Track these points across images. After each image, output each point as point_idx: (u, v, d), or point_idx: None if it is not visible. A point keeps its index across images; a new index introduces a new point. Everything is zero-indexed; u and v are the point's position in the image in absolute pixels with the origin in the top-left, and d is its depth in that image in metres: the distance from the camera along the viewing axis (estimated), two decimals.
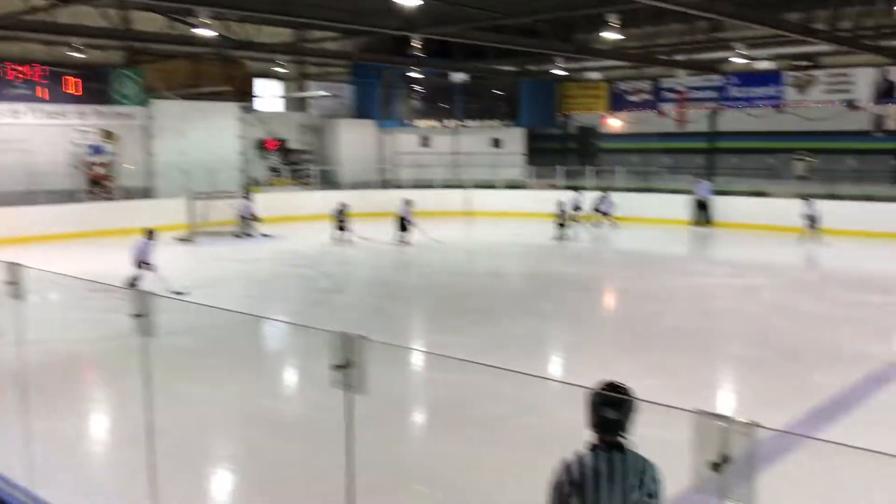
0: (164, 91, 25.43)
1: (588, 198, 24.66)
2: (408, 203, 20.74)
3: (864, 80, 24.61)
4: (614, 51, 22.99)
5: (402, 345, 9.84)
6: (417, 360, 9.87)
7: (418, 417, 8.31)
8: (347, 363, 3.05)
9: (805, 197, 21.01)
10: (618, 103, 30.08)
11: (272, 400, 8.49)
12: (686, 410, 2.60)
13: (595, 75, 29.79)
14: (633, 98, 29.70)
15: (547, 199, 24.44)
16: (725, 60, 24.67)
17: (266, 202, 23.83)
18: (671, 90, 28.25)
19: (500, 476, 6.23)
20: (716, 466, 2.58)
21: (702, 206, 23.93)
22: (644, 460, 3.21)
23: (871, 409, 7.91)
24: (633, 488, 3.15)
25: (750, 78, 26.58)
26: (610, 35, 19.97)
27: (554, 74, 27.89)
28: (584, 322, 12.19)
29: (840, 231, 20.96)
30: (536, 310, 12.92)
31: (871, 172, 24.20)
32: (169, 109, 25.57)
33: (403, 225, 20.56)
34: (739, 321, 12.06)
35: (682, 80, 27.28)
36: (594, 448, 3.21)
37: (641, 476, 3.18)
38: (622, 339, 11.06)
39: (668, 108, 28.52)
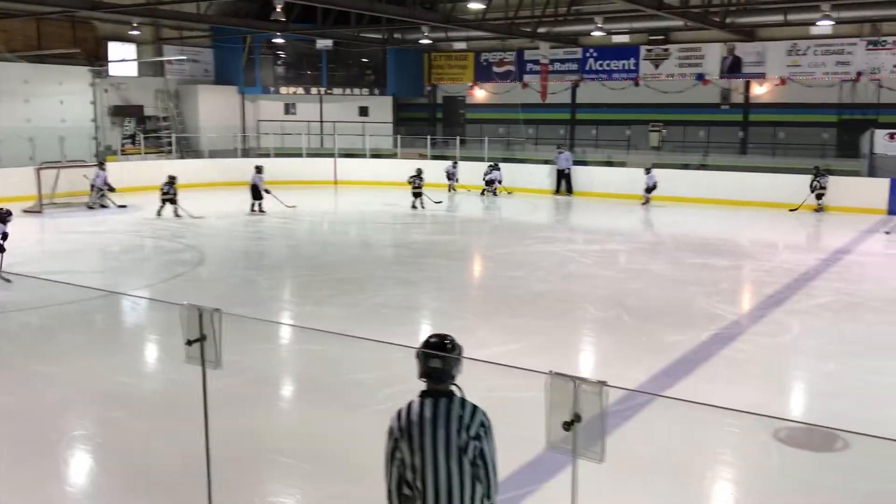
0: (4, 52, 23.62)
1: (461, 168, 24.98)
2: (258, 170, 20.36)
3: (712, 56, 25.99)
4: (479, 21, 23.20)
5: (263, 318, 9.68)
6: (284, 332, 9.75)
7: (284, 390, 8.23)
8: (202, 337, 2.97)
9: (647, 168, 22.42)
10: (483, 74, 30.46)
11: (130, 377, 8.17)
12: (538, 372, 2.71)
13: (461, 46, 30.02)
14: (498, 69, 30.14)
15: (414, 169, 24.54)
16: (586, 34, 25.43)
17: (121, 171, 22.74)
18: (535, 62, 28.84)
19: (368, 444, 6.28)
20: (568, 425, 2.70)
21: (563, 176, 24.70)
22: (472, 406, 3.36)
23: (716, 365, 8.47)
24: (459, 431, 3.29)
25: (608, 51, 27.51)
26: (474, 5, 20.18)
27: (421, 44, 27.91)
28: (449, 289, 12.38)
29: (689, 199, 22.31)
30: (403, 279, 13.02)
31: (719, 143, 25.76)
32: (10, 72, 23.78)
33: (256, 193, 20.22)
34: (597, 284, 12.59)
35: (544, 52, 27.89)
36: (423, 395, 3.40)
37: (468, 420, 3.31)
38: (486, 305, 11.32)
39: (531, 79, 29.12)
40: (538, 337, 9.48)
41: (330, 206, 23.58)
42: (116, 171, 22.24)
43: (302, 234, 18.44)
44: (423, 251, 15.91)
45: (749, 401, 7.17)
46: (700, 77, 26.11)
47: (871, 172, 21.56)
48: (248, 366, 7.85)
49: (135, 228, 17.96)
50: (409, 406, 3.40)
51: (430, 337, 3.52)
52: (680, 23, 22.01)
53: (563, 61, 28.53)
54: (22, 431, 6.37)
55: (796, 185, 21.10)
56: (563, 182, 24.71)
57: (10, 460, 4.59)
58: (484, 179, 24.77)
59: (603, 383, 2.57)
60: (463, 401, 3.37)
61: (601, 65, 28.00)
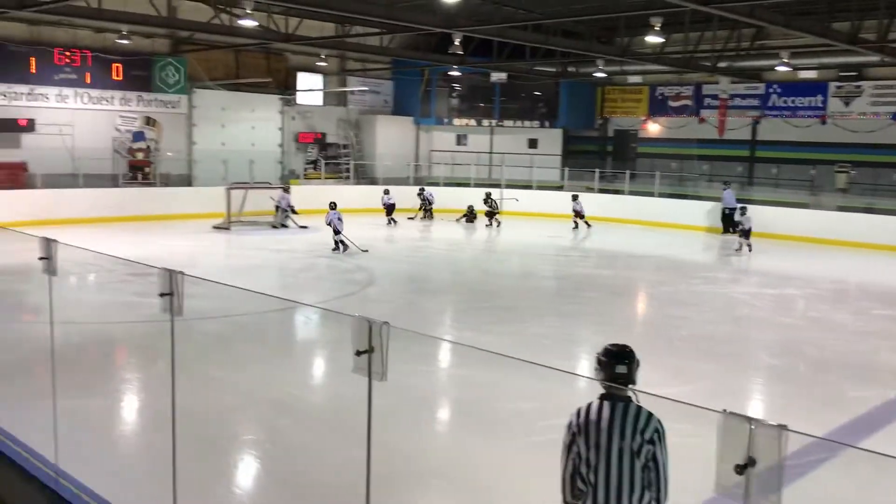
0: (206, 80, 25.74)
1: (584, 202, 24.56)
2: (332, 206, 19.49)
3: None
4: (656, 55, 22.80)
5: (426, 334, 9.84)
6: (444, 355, 9.89)
7: (443, 413, 8.32)
8: (370, 349, 3.08)
9: (742, 209, 20.17)
10: (658, 108, 29.83)
11: (298, 387, 8.56)
12: (712, 410, 2.57)
13: (636, 79, 29.59)
14: (673, 104, 29.44)
15: (582, 202, 24.31)
16: (769, 68, 24.36)
17: (303, 194, 24.04)
18: (713, 97, 27.94)
19: (521, 475, 6.21)
20: (741, 469, 2.53)
21: (728, 215, 23.57)
22: (648, 412, 3.56)
23: None
24: (634, 434, 3.50)
25: (794, 87, 26.20)
26: (652, 39, 19.84)
27: (594, 77, 27.76)
28: (611, 324, 12.09)
29: (880, 245, 20.63)
30: (563, 311, 12.88)
31: None
32: (210, 99, 25.90)
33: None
34: (770, 330, 11.89)
35: (724, 86, 26.97)
36: (602, 398, 3.64)
37: (643, 425, 3.51)
38: (649, 343, 10.96)
39: (708, 114, 28.20)
40: (704, 381, 9.07)
41: (493, 236, 23.78)
42: (298, 193, 23.54)
43: (465, 262, 18.70)
44: (586, 284, 15.68)
45: None
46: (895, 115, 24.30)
47: None
48: (410, 386, 8.00)
49: (312, 248, 18.87)
50: (589, 406, 3.64)
51: (610, 345, 3.77)
52: (875, 58, 20.62)
53: (743, 96, 27.45)
54: (199, 432, 6.79)
55: None
56: (729, 221, 23.51)
57: (187, 458, 4.90)
58: (574, 210, 24.35)
59: (783, 427, 2.40)
60: (639, 407, 3.56)
61: (785, 101, 26.69)
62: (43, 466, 5.43)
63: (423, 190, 25.83)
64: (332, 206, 18.47)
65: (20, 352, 9.09)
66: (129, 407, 8.01)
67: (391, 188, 24.63)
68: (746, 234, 19.46)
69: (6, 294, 12.96)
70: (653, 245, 21.38)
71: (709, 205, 24.26)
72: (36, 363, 8.57)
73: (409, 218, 24.46)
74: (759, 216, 23.42)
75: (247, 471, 6.46)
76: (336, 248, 17.97)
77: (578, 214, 23.91)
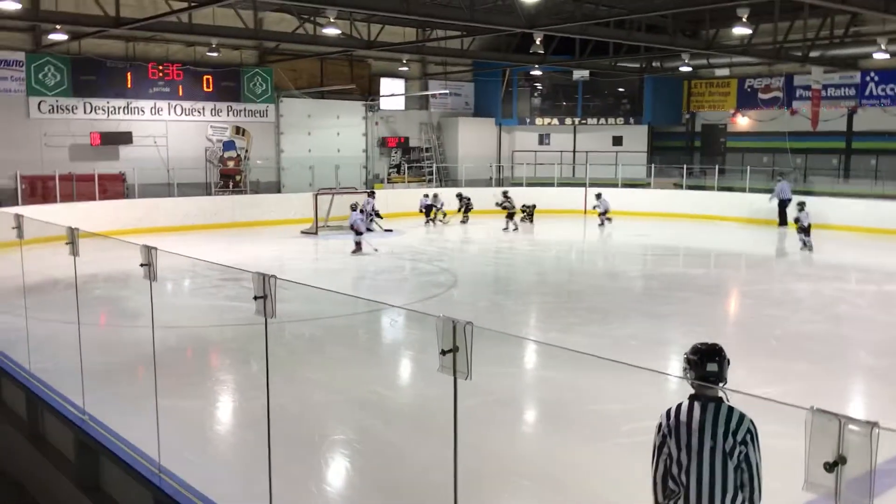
0: (292, 89, 26.40)
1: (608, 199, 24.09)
2: (353, 208, 19.48)
3: None
4: (744, 47, 22.16)
5: (510, 334, 9.84)
6: (529, 356, 9.87)
7: (528, 414, 8.30)
8: (455, 348, 3.13)
9: (800, 206, 18.93)
10: (747, 101, 28.97)
11: (385, 387, 8.70)
12: (800, 408, 2.52)
13: (723, 72, 28.82)
14: (763, 96, 28.53)
15: (669, 199, 23.88)
16: (865, 56, 23.36)
17: (387, 198, 24.36)
18: (805, 87, 26.96)
19: (609, 477, 6.16)
20: (831, 467, 2.48)
21: (782, 207, 22.73)
22: (740, 413, 3.50)
23: None
24: (726, 435, 3.46)
25: (892, 74, 25.02)
26: (740, 30, 19.32)
27: (680, 72, 27.20)
28: (702, 325, 11.81)
29: None
30: (652, 312, 12.65)
31: None
32: (297, 107, 26.57)
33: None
34: (872, 329, 11.41)
35: (816, 76, 25.99)
36: (692, 398, 3.61)
37: (736, 426, 3.46)
38: (741, 343, 10.66)
39: (800, 106, 27.24)
40: (800, 382, 8.77)
41: (578, 236, 23.57)
42: (382, 197, 23.87)
43: (549, 262, 18.60)
44: (675, 284, 15.36)
45: None
46: None
47: None
48: (494, 387, 8.02)
49: (397, 251, 19.11)
50: (679, 406, 3.62)
51: (699, 344, 3.72)
52: None
53: (837, 86, 26.37)
54: (292, 431, 6.97)
55: None
56: (783, 213, 22.68)
57: (282, 457, 5.06)
58: (596, 208, 23.96)
59: (874, 424, 2.33)
60: (731, 407, 3.52)
61: (884, 89, 25.50)
62: (147, 463, 5.68)
63: (459, 195, 25.44)
64: (354, 207, 18.87)
65: (124, 355, 9.52)
66: (224, 407, 8.29)
67: (432, 191, 25.07)
68: (805, 230, 18.27)
69: (108, 300, 13.60)
70: (743, 242, 20.81)
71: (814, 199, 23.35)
72: (137, 366, 8.98)
73: (441, 221, 24.17)
74: (853, 210, 22.48)
75: (337, 469, 6.60)
76: (356, 250, 18.09)
77: (606, 212, 23.50)
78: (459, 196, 25.18)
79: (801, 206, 18.87)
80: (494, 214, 23.77)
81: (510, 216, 23.12)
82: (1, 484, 7.57)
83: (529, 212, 24.31)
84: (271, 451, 4.86)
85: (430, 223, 23.84)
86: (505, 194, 23.75)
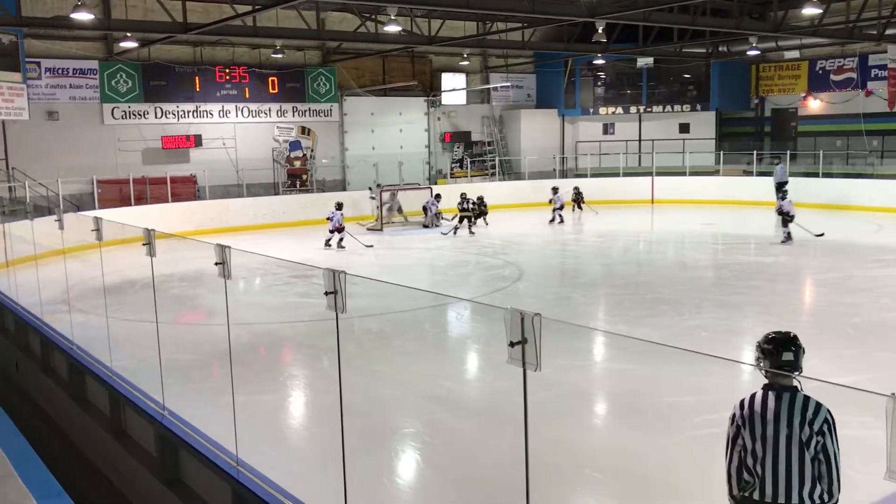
0: (355, 88, 26.68)
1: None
2: (338, 206, 19.02)
3: None
4: (814, 27, 21.48)
5: (578, 324, 9.78)
6: (598, 348, 9.80)
7: (598, 407, 8.25)
8: (523, 339, 3.14)
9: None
10: (819, 83, 28.08)
11: (454, 380, 8.75)
12: (879, 394, 2.47)
13: (793, 54, 27.99)
14: (836, 77, 27.62)
15: (739, 186, 23.33)
16: None
17: (450, 193, 24.40)
18: (881, 67, 25.98)
19: (682, 469, 6.08)
20: None
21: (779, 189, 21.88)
22: (816, 402, 3.42)
23: None
24: (803, 424, 3.38)
25: None
26: (809, 10, 18.75)
27: (748, 56, 26.56)
28: (775, 314, 11.51)
29: None
30: (722, 301, 12.40)
31: None
32: (360, 105, 26.86)
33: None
34: None
35: (893, 55, 25.00)
36: (766, 388, 3.54)
37: (812, 416, 3.39)
38: (817, 332, 10.38)
39: (876, 86, 26.27)
40: (880, 371, 8.49)
41: (646, 226, 23.23)
42: (445, 193, 23.89)
43: (616, 253, 18.39)
44: (746, 273, 15.02)
45: None
46: None
47: None
48: (563, 380, 7.99)
49: (461, 246, 19.16)
50: (753, 397, 3.55)
51: (773, 333, 3.66)
52: None
53: None
54: (364, 425, 7.07)
55: None
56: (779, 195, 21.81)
57: (354, 451, 5.14)
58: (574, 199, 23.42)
59: None
60: (806, 397, 3.45)
61: None
62: (225, 457, 5.83)
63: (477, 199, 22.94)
64: (339, 206, 18.83)
65: (200, 352, 9.79)
66: (297, 401, 8.46)
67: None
68: (784, 220, 17.10)
69: (184, 299, 13.99)
70: (815, 229, 20.24)
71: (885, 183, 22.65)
72: (213, 362, 9.23)
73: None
74: None
75: (408, 462, 6.67)
76: (328, 245, 18.41)
77: (562, 207, 22.30)
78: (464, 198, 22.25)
79: (784, 194, 17.76)
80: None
81: (468, 220, 21.03)
82: (90, 478, 7.87)
83: (476, 210, 21.48)
84: (344, 444, 4.94)
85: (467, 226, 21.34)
86: (463, 196, 21.54)
